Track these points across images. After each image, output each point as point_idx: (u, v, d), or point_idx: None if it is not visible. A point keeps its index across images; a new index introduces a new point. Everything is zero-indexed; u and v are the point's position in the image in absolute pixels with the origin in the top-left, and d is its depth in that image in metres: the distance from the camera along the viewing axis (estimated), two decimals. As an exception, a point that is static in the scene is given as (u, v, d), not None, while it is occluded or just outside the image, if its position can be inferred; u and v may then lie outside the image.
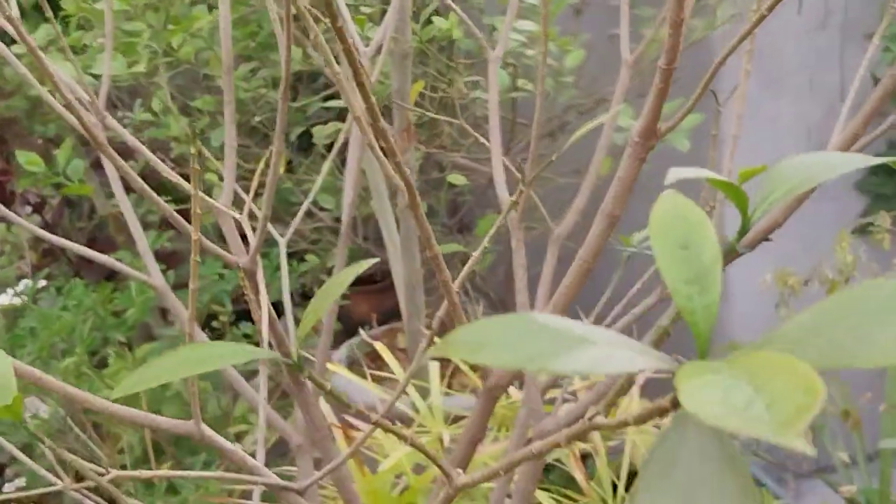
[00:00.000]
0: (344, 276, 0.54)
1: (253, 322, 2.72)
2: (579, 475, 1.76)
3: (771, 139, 2.66)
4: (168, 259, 2.92)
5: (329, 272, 2.91)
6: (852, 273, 2.04)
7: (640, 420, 0.47)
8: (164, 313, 3.12)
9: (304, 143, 2.96)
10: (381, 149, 0.77)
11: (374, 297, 3.46)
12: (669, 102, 2.09)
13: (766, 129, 2.67)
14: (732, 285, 2.67)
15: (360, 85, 0.68)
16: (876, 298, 0.41)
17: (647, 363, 0.41)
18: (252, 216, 1.28)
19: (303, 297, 3.38)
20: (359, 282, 3.45)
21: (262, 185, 2.76)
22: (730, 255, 0.53)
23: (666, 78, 0.75)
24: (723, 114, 1.35)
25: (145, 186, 1.13)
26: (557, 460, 1.92)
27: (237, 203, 1.40)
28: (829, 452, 2.23)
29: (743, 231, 0.52)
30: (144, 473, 0.88)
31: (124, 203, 1.58)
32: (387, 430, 0.63)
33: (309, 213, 2.97)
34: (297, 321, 2.83)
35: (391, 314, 3.27)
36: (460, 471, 0.63)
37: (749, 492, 0.39)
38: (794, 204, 1.00)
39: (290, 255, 3.06)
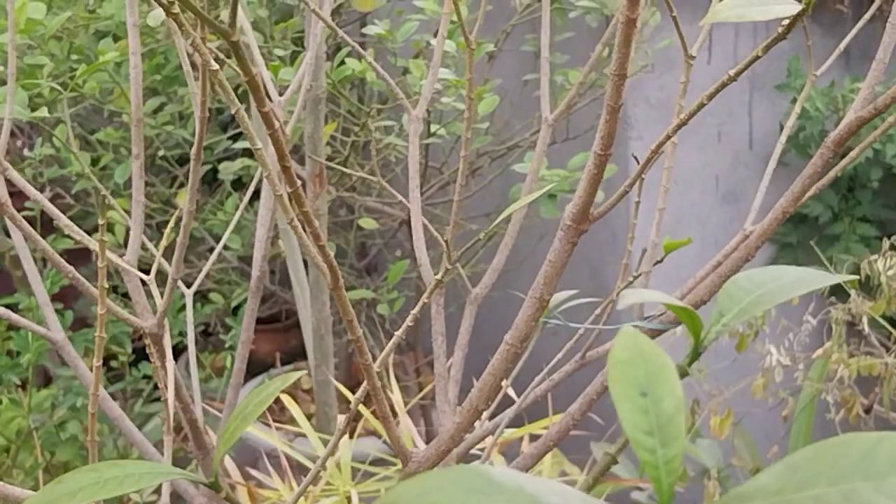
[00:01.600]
0: (265, 395, 0.50)
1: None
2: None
3: (679, 187, 2.68)
4: (64, 295, 2.82)
5: (234, 311, 2.85)
6: (762, 327, 2.05)
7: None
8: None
9: (209, 178, 2.90)
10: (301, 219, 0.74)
11: (278, 337, 3.40)
12: (575, 157, 2.08)
13: (675, 177, 2.68)
14: (641, 333, 2.67)
15: (276, 142, 0.65)
16: (847, 459, 0.38)
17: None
18: (160, 272, 1.23)
19: (204, 334, 3.30)
20: (262, 321, 3.40)
21: (164, 223, 2.69)
22: (681, 377, 0.50)
23: (600, 165, 0.73)
24: (629, 172, 1.34)
25: (48, 248, 1.07)
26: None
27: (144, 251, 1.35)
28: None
29: (694, 356, 0.49)
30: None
31: (23, 254, 1.51)
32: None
33: (212, 250, 2.91)
34: (199, 364, 2.75)
35: (296, 353, 3.21)
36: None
37: None
38: (720, 281, 0.99)
39: (193, 294, 2.99)
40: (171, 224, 1.18)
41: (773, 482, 0.39)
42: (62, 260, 1.02)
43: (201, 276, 1.53)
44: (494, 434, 1.12)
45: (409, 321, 0.84)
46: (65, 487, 0.50)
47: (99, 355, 0.82)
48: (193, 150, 1.03)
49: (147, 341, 1.06)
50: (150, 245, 1.29)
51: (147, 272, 1.22)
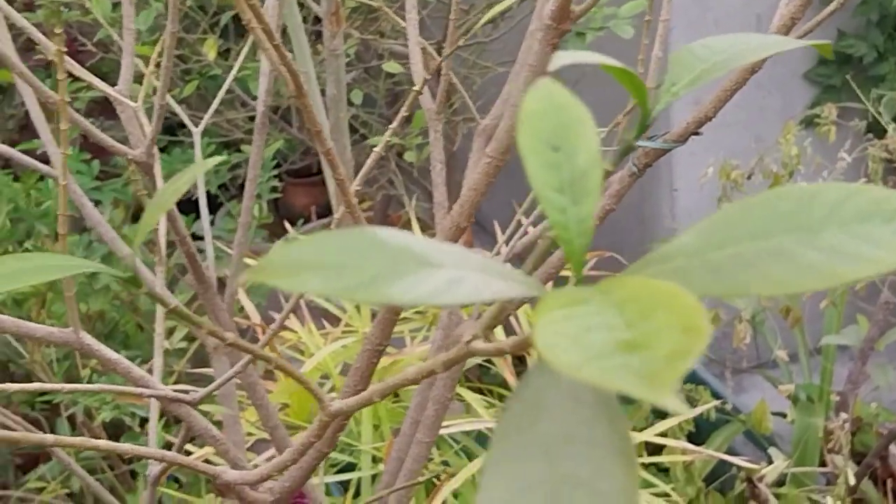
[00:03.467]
0: (179, 184, 0.46)
1: (186, 214, 2.63)
2: (510, 377, 1.70)
3: (719, 28, 2.58)
4: (95, 148, 2.80)
5: (264, 163, 2.81)
6: (797, 167, 1.98)
7: (517, 348, 0.41)
8: (96, 202, 3.02)
9: (240, 29, 2.84)
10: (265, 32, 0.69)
11: (312, 189, 3.37)
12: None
13: (713, 17, 2.59)
14: (677, 179, 2.61)
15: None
16: (776, 213, 0.34)
17: (502, 289, 0.34)
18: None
19: (241, 187, 3.28)
20: (296, 174, 3.37)
21: (187, 72, 2.64)
22: (626, 152, 0.46)
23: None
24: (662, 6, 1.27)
25: (29, 75, 1.04)
26: (489, 362, 1.87)
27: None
28: (769, 348, 2.20)
29: (643, 126, 0.44)
30: (27, 386, 0.80)
31: (25, 91, 1.48)
32: (252, 353, 0.56)
33: (244, 103, 2.86)
34: (230, 214, 2.73)
35: (331, 206, 3.18)
36: (334, 395, 0.56)
37: (625, 448, 0.32)
38: (725, 96, 0.93)
39: (226, 145, 2.96)
40: (158, 48, 1.14)
41: (694, 240, 0.34)
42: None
43: (207, 116, 1.50)
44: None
45: (377, 149, 0.80)
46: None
47: (64, 174, 0.79)
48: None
49: (132, 168, 1.03)
50: (146, 72, 1.24)
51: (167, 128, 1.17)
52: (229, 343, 0.53)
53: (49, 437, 0.65)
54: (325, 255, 0.33)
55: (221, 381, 0.92)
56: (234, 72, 1.54)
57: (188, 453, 1.64)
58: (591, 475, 0.32)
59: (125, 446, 0.70)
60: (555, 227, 0.35)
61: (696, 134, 0.92)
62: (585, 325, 0.30)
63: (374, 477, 1.60)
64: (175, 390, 0.93)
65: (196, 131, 1.44)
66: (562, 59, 0.41)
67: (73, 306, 0.82)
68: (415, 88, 0.89)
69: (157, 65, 1.27)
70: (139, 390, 0.88)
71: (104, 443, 0.70)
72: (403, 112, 0.86)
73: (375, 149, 0.86)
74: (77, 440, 0.68)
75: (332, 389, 1.71)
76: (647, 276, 0.34)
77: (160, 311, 1.14)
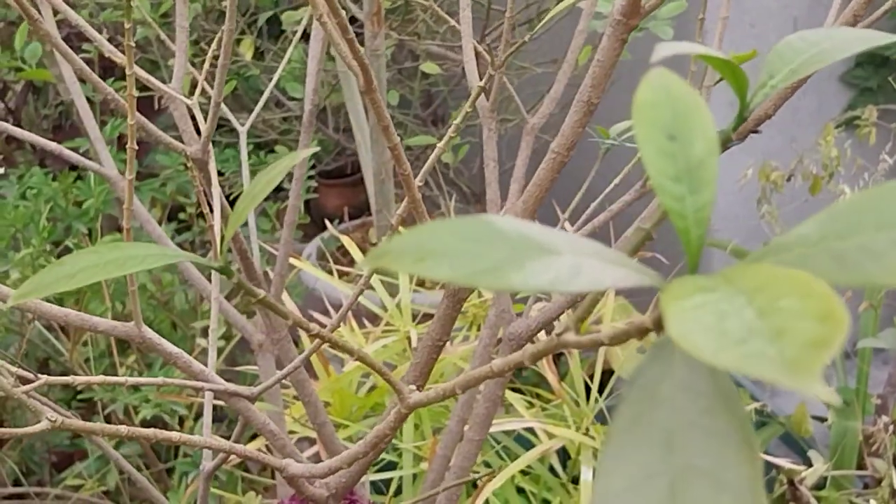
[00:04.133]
0: (273, 175, 0.46)
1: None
2: (551, 376, 1.70)
3: (754, 30, 2.57)
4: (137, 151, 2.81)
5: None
6: (837, 168, 1.97)
7: (616, 340, 0.41)
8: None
9: (275, 30, 2.85)
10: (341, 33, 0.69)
11: (345, 191, 3.37)
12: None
13: (749, 20, 2.58)
14: (713, 180, 2.60)
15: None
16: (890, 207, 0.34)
17: (621, 278, 0.34)
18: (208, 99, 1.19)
19: (276, 188, 3.28)
20: (329, 175, 3.38)
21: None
22: (723, 145, 0.46)
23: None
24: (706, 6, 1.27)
25: (88, 71, 1.04)
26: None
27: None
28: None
29: (741, 118, 0.44)
30: (77, 379, 0.81)
31: (73, 88, 1.49)
32: (335, 345, 0.56)
33: (278, 103, 2.87)
34: (265, 213, 2.74)
35: (364, 208, 3.19)
36: (413, 387, 0.56)
37: (748, 439, 0.32)
38: (787, 94, 0.93)
39: (259, 146, 2.97)
40: (213, 46, 1.14)
41: (814, 231, 0.34)
42: (100, 80, 0.98)
43: (252, 116, 1.50)
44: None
45: (450, 133, 0.80)
46: (63, 269, 0.47)
47: (131, 167, 0.80)
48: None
49: (190, 165, 1.03)
50: (195, 73, 1.25)
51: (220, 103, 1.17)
52: (314, 334, 0.54)
53: (96, 426, 0.66)
54: (447, 241, 0.34)
55: (282, 375, 0.92)
56: (277, 74, 1.54)
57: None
58: (713, 465, 0.32)
59: (176, 435, 0.71)
60: (672, 216, 0.35)
61: (756, 132, 0.92)
62: (718, 312, 0.30)
63: (415, 476, 1.60)
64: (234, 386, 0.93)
65: (242, 130, 1.45)
66: (663, 49, 0.41)
67: (136, 301, 0.83)
68: (476, 86, 0.89)
69: (205, 62, 1.28)
70: (199, 384, 0.88)
71: (154, 431, 0.70)
72: (466, 108, 0.86)
73: (434, 151, 0.87)
74: (126, 430, 0.68)
75: (372, 388, 1.71)
76: (773, 264, 0.34)
77: (212, 306, 1.15)
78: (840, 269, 0.33)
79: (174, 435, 0.76)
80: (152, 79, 1.16)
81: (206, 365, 1.48)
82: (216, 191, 1.09)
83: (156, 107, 2.19)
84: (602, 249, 0.35)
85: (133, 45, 2.23)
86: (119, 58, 1.15)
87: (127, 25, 0.73)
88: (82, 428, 0.73)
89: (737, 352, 0.28)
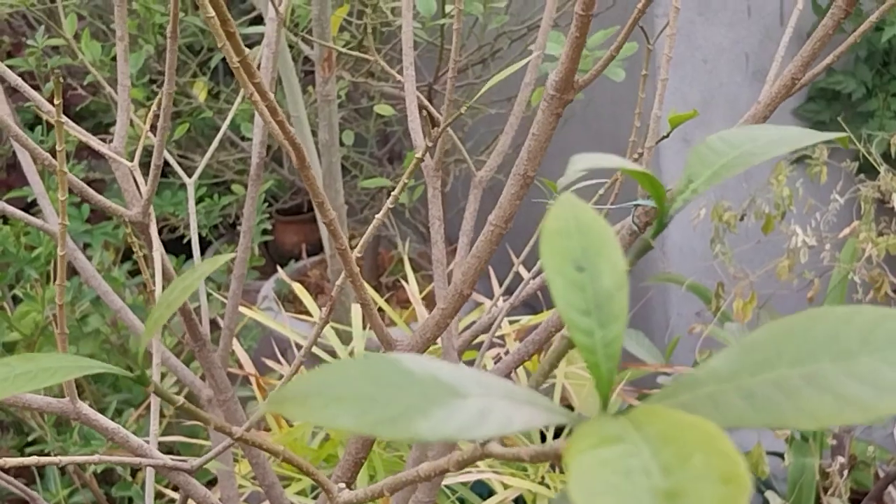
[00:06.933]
0: (190, 282, 0.45)
1: (176, 255, 2.62)
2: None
3: (706, 66, 2.59)
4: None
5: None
6: (789, 207, 1.98)
7: (537, 459, 0.40)
8: (86, 245, 3.00)
9: (230, 69, 2.84)
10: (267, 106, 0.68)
11: (303, 227, 3.36)
12: (594, 34, 2.00)
13: (703, 56, 2.59)
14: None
15: (230, 36, 0.59)
16: (812, 337, 0.33)
17: (531, 419, 0.33)
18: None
19: (231, 227, 3.26)
20: (287, 212, 3.36)
21: (177, 114, 2.63)
22: (642, 253, 0.45)
23: (582, 27, 0.67)
24: (654, 50, 1.27)
25: (20, 132, 1.03)
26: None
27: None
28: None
29: (660, 227, 0.44)
30: (9, 461, 0.79)
31: (17, 135, 1.47)
32: (252, 444, 0.55)
33: (233, 143, 2.86)
34: (218, 253, 2.72)
35: (321, 245, 3.17)
36: (343, 485, 0.55)
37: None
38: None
39: (216, 185, 2.95)
40: (155, 103, 1.13)
41: (727, 365, 0.34)
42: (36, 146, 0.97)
43: (202, 165, 1.49)
44: (495, 323, 1.07)
45: (389, 203, 0.80)
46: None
47: (63, 216, 0.78)
48: (169, 29, 0.97)
49: (128, 230, 1.02)
50: (140, 125, 1.23)
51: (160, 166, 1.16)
52: (237, 438, 0.52)
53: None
54: (353, 386, 0.33)
55: (216, 452, 0.91)
56: (228, 118, 1.53)
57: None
58: None
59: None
60: (581, 350, 0.35)
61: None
62: (622, 470, 0.29)
63: (370, 528, 1.58)
64: (163, 451, 0.92)
65: (190, 182, 1.44)
66: (579, 162, 0.40)
67: (70, 382, 0.81)
68: (417, 156, 0.89)
69: (149, 112, 1.26)
70: (137, 460, 0.86)
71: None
72: (405, 179, 0.85)
73: (378, 215, 0.86)
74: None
75: (326, 438, 1.69)
76: (680, 404, 0.33)
77: (157, 368, 1.13)
78: (751, 408, 0.32)
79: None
80: (92, 138, 1.14)
81: (168, 413, 1.45)
82: (157, 253, 1.07)
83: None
84: (512, 388, 0.34)
85: (79, 88, 2.20)
86: (50, 115, 1.13)
87: (56, 101, 0.72)
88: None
89: (639, 520, 0.27)
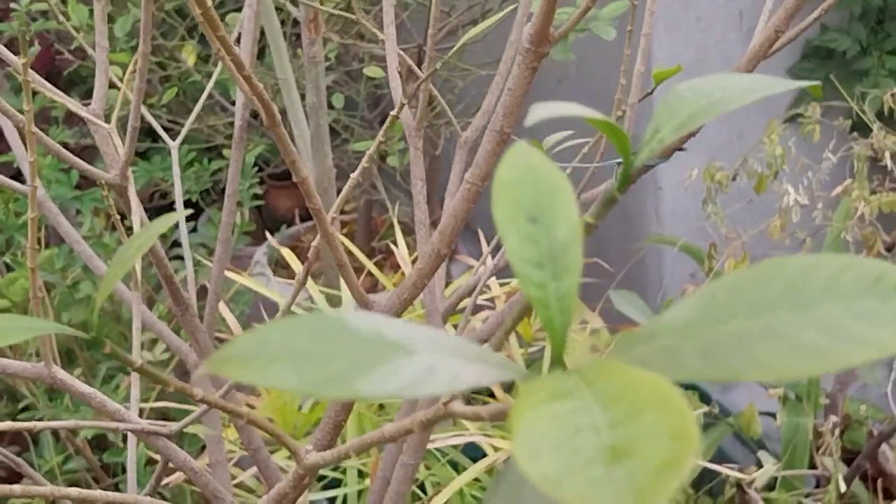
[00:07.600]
0: (144, 239, 0.44)
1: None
2: (497, 389, 1.69)
3: (700, 24, 2.56)
4: (81, 155, 2.77)
5: (244, 170, 2.78)
6: (781, 166, 1.96)
7: (496, 417, 0.39)
8: (78, 211, 2.98)
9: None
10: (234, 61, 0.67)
11: (296, 192, 3.34)
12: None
13: (696, 14, 2.57)
14: (662, 179, 2.59)
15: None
16: (771, 287, 0.32)
17: (480, 376, 0.32)
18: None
19: (223, 192, 3.24)
20: (279, 177, 3.34)
21: (166, 78, 2.61)
22: (609, 206, 0.44)
23: (558, -23, 0.65)
24: (643, 7, 1.25)
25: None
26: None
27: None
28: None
29: (625, 177, 0.42)
30: (16, 425, 0.78)
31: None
32: (214, 405, 0.54)
33: (223, 107, 2.83)
34: (212, 220, 2.69)
35: (314, 209, 3.15)
36: (310, 447, 0.54)
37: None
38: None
39: (206, 150, 2.92)
40: (131, 66, 1.12)
41: (684, 316, 0.33)
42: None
43: (185, 129, 1.47)
44: (477, 287, 1.06)
45: (364, 162, 0.78)
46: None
47: (33, 176, 0.77)
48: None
49: (105, 193, 1.00)
50: (123, 89, 1.22)
51: (148, 131, 1.15)
52: (199, 399, 0.51)
53: (17, 488, 0.63)
54: (296, 344, 0.31)
55: (193, 417, 0.90)
56: (212, 80, 1.52)
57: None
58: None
59: (97, 493, 0.68)
60: (534, 304, 0.33)
61: (680, 150, 0.90)
62: (570, 427, 0.28)
63: (359, 493, 1.58)
64: (155, 417, 0.91)
65: (174, 145, 1.42)
66: (538, 112, 0.39)
67: (45, 342, 0.80)
68: (393, 113, 0.87)
69: (133, 77, 1.24)
70: (115, 425, 0.85)
71: (76, 491, 0.67)
72: (380, 137, 0.84)
73: (354, 173, 0.84)
74: (47, 490, 0.66)
75: (315, 403, 1.68)
76: (636, 358, 0.32)
77: (137, 333, 1.12)
78: (705, 362, 0.31)
79: (96, 494, 0.73)
80: (70, 101, 1.13)
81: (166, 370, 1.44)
82: (136, 217, 1.06)
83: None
84: (463, 345, 0.33)
85: (70, 52, 2.17)
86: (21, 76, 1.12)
87: (23, 59, 0.71)
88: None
89: (583, 478, 0.26)
